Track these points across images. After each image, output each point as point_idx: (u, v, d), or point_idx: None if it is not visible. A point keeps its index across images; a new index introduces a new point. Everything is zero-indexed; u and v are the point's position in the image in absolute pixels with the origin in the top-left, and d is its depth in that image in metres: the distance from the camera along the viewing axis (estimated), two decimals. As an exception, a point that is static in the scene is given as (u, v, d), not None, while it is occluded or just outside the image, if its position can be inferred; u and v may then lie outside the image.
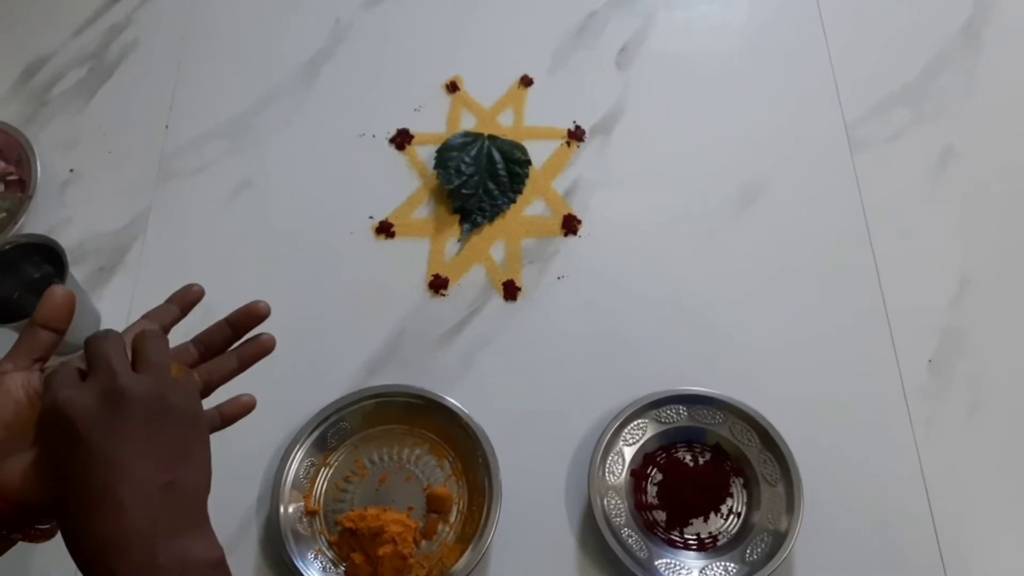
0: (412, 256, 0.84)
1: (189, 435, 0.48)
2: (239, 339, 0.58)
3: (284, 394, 0.77)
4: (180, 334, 0.57)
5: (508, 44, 0.96)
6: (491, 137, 0.88)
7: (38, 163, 0.87)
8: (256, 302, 0.58)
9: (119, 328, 0.79)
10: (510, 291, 0.82)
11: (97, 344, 0.48)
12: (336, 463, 0.75)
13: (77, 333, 0.79)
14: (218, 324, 0.57)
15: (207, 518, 0.47)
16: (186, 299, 0.58)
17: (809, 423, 0.74)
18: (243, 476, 0.74)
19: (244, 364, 0.57)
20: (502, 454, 0.72)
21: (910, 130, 0.89)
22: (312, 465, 0.74)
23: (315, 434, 0.74)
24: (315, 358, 0.79)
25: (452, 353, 0.79)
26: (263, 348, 0.58)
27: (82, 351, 0.49)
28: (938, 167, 0.87)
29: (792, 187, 0.86)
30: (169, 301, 0.57)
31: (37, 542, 0.49)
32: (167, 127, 0.91)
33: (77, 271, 0.83)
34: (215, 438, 0.75)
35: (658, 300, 0.81)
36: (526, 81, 0.93)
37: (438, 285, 0.82)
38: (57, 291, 0.51)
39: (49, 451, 0.46)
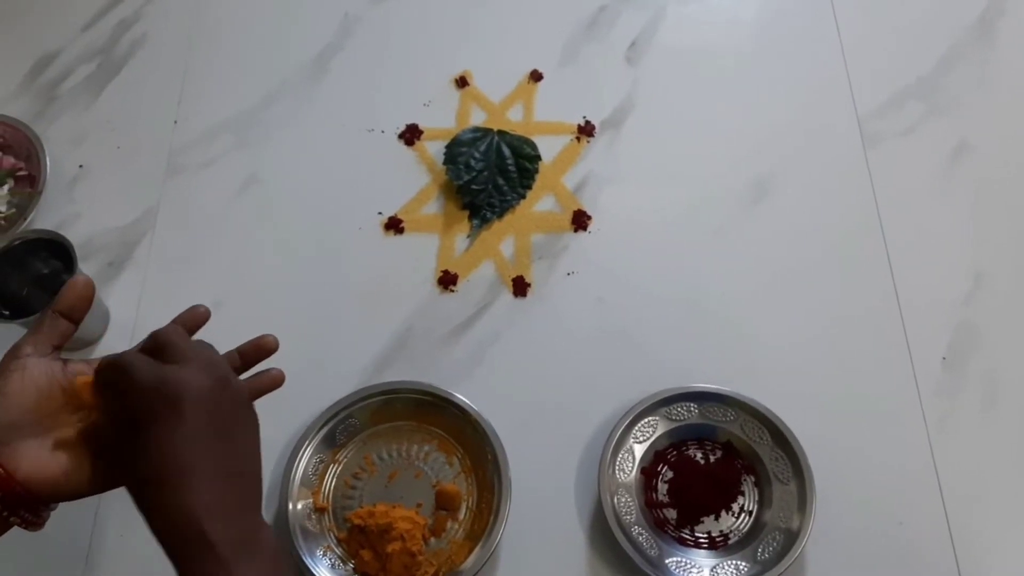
0: (421, 252, 0.84)
1: (255, 433, 0.52)
2: (247, 369, 0.58)
3: (293, 390, 0.75)
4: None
5: (518, 38, 0.95)
6: (500, 132, 0.88)
7: (47, 159, 0.86)
8: (265, 336, 0.59)
9: (130, 322, 0.80)
10: (519, 287, 0.81)
11: (178, 337, 0.50)
12: (345, 460, 0.74)
13: (85, 327, 0.79)
14: (228, 353, 0.57)
15: (260, 504, 0.50)
16: (193, 320, 0.57)
17: (821, 420, 0.74)
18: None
19: (253, 396, 0.57)
20: (511, 451, 0.71)
21: (924, 124, 0.88)
22: (321, 462, 0.74)
23: (324, 430, 0.74)
24: (324, 354, 0.79)
25: (461, 349, 0.79)
26: (273, 382, 0.59)
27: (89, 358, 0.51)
28: (952, 161, 0.86)
29: (804, 182, 0.86)
30: (175, 322, 0.56)
31: (32, 530, 0.49)
32: (176, 122, 0.91)
33: (86, 266, 0.83)
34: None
35: (668, 296, 0.81)
36: (536, 76, 0.92)
37: (447, 281, 0.82)
38: (80, 280, 0.52)
39: (117, 428, 0.48)
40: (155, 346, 0.50)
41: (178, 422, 0.46)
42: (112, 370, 0.48)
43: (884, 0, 0.96)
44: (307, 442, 0.73)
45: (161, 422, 0.46)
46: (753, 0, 0.97)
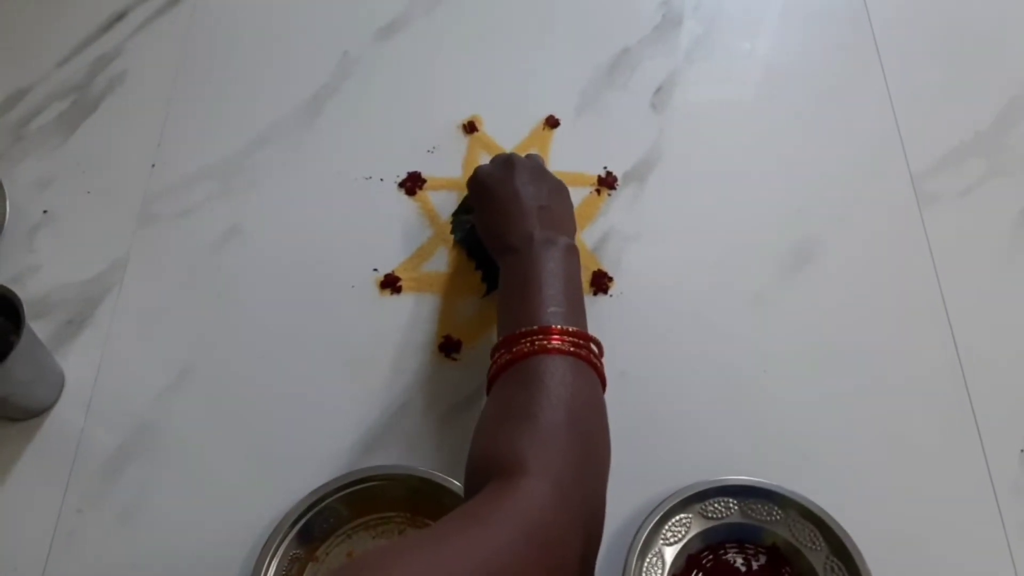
0: (421, 315, 0.74)
1: (557, 189, 0.70)
2: None
3: (265, 474, 0.67)
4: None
5: (532, 82, 0.87)
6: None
7: (7, 203, 0.78)
8: None
9: (88, 388, 0.71)
10: (531, 357, 0.71)
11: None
12: (325, 557, 0.64)
13: (36, 394, 0.70)
14: None
15: (572, 233, 0.67)
16: None
17: (884, 524, 0.63)
18: (216, 572, 0.64)
19: None
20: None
21: (985, 183, 0.79)
22: (296, 559, 0.63)
23: (301, 523, 0.64)
24: (304, 431, 0.69)
25: (464, 428, 0.69)
26: None
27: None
28: (1019, 224, 0.77)
29: (852, 245, 0.77)
30: None
31: None
32: (153, 166, 0.82)
33: (41, 325, 0.74)
34: (181, 532, 0.66)
35: (701, 372, 0.71)
36: (552, 122, 0.84)
37: (449, 348, 0.72)
38: None
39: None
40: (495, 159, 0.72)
41: (488, 196, 0.68)
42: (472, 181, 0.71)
43: (935, 50, 0.88)
44: (280, 536, 0.63)
45: (482, 200, 0.69)
46: (791, 46, 0.89)
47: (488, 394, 0.58)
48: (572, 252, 0.63)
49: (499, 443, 0.51)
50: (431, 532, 0.44)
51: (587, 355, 0.57)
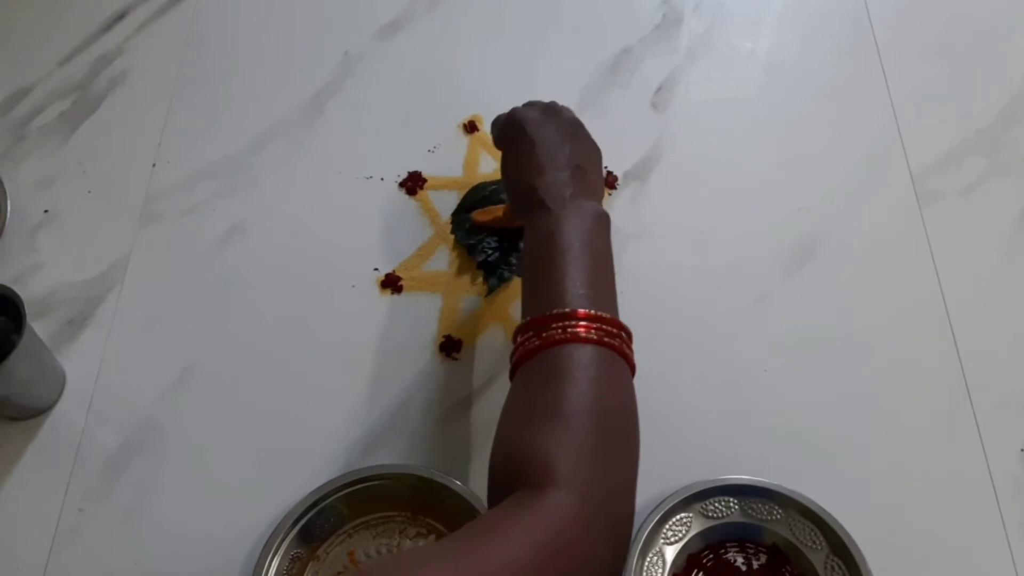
0: (421, 314, 0.74)
1: (595, 150, 0.64)
2: None
3: (266, 473, 0.68)
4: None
5: (532, 81, 0.87)
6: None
7: (8, 203, 0.79)
8: None
9: (89, 388, 0.71)
10: (532, 357, 0.71)
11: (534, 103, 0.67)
12: (326, 557, 0.64)
13: (37, 393, 0.70)
14: None
15: (602, 196, 0.63)
16: None
17: (884, 524, 0.63)
18: (217, 571, 0.64)
19: None
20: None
21: (987, 181, 0.79)
22: (297, 559, 0.63)
23: (302, 522, 0.64)
24: (305, 430, 0.69)
25: (464, 428, 0.69)
26: None
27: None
28: (1020, 222, 0.76)
29: (852, 244, 0.76)
30: None
31: None
32: (154, 165, 0.82)
33: (42, 324, 0.74)
34: (182, 530, 0.66)
35: (702, 372, 0.71)
36: (553, 122, 0.84)
37: (450, 347, 0.72)
38: None
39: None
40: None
41: (524, 142, 0.61)
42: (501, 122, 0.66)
43: (935, 47, 0.87)
44: (281, 536, 0.63)
45: (515, 144, 0.63)
46: (792, 45, 0.89)
47: (512, 379, 0.54)
48: (605, 223, 0.59)
49: (525, 443, 0.49)
50: (455, 542, 0.43)
51: (620, 345, 0.53)
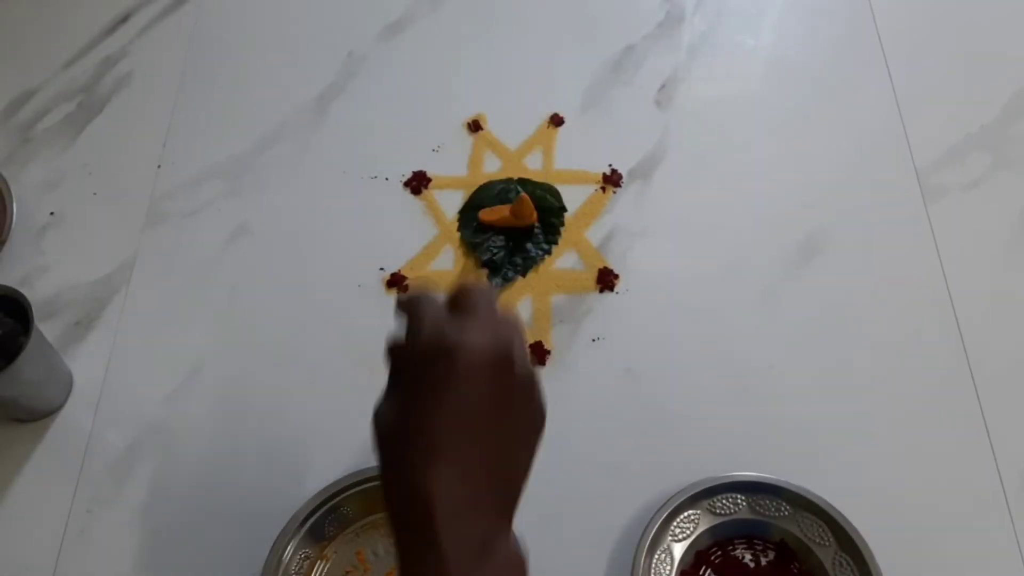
0: (427, 313, 0.74)
1: (536, 432, 0.43)
2: None
3: (274, 474, 0.68)
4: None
5: (536, 80, 0.87)
6: (521, 181, 0.79)
7: (15, 205, 0.79)
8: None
9: (96, 389, 0.71)
10: (538, 354, 0.71)
11: (475, 291, 0.42)
12: (334, 556, 0.64)
13: (45, 395, 0.70)
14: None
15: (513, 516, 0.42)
16: None
17: (893, 520, 0.63)
18: (225, 571, 0.64)
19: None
20: (529, 547, 0.61)
21: (992, 176, 0.78)
22: (306, 558, 0.63)
23: (310, 522, 0.64)
24: (312, 431, 0.69)
25: (471, 426, 0.69)
26: None
27: None
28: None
29: (857, 240, 0.76)
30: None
31: None
32: (159, 167, 0.83)
33: (49, 326, 0.74)
34: (191, 531, 0.66)
35: (709, 367, 0.71)
36: (556, 120, 0.84)
37: (456, 347, 0.72)
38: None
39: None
40: (455, 295, 0.43)
41: (444, 389, 0.39)
42: (407, 302, 0.43)
43: (939, 42, 0.87)
44: (290, 536, 0.63)
45: (424, 382, 0.39)
46: (795, 41, 0.89)
47: None
48: None
49: None
50: None
51: None
